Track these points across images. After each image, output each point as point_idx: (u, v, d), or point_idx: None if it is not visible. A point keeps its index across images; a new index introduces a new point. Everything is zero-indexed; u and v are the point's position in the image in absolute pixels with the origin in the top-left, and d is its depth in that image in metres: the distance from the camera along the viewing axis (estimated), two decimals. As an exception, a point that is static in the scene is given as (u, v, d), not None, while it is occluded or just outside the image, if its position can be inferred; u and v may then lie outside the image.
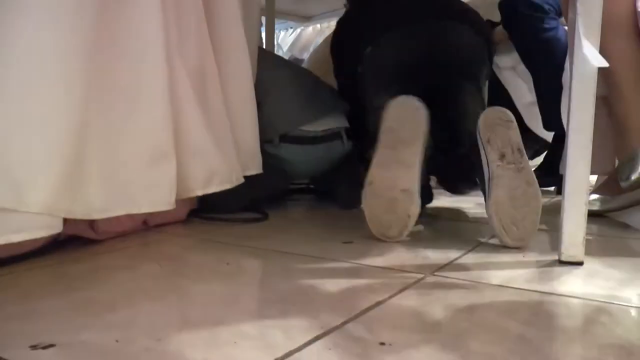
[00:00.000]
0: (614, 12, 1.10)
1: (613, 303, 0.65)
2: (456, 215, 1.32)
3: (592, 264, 0.83)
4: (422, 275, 0.75)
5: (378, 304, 0.63)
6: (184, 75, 0.94)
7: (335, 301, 0.64)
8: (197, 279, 0.73)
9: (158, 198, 0.85)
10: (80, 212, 0.74)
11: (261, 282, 0.73)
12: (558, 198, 1.38)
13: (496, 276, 0.76)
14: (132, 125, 0.83)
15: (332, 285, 0.70)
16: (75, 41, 0.73)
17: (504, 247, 0.94)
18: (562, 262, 0.84)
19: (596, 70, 0.82)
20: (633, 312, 0.62)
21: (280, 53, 3.00)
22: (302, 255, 0.86)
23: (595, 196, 1.30)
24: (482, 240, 1.00)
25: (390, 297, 0.65)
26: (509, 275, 0.76)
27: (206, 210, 1.15)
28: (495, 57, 1.93)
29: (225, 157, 1.01)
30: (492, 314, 0.60)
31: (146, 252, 0.89)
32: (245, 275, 0.76)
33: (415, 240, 0.99)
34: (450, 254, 0.89)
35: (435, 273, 0.77)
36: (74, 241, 0.90)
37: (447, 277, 0.75)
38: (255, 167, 1.12)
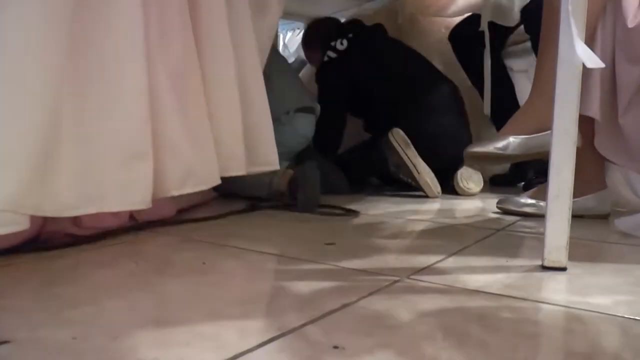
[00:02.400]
0: None
1: (587, 310, 0.63)
2: (450, 216, 1.31)
3: (575, 269, 0.82)
4: (397, 278, 0.74)
5: (343, 306, 0.62)
6: (164, 74, 0.94)
7: (301, 302, 0.63)
8: (168, 278, 0.73)
9: (133, 197, 0.84)
10: (50, 210, 0.74)
11: (231, 282, 0.72)
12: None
13: (474, 280, 0.74)
14: (107, 124, 0.83)
15: (302, 286, 0.69)
16: (47, 38, 0.73)
17: (489, 251, 0.92)
18: (545, 268, 0.82)
19: (580, 74, 0.81)
20: (605, 320, 0.60)
21: (287, 54, 3.00)
22: (280, 256, 0.86)
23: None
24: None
25: (358, 299, 0.64)
26: (487, 280, 0.75)
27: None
28: (510, 60, 1.92)
29: (203, 158, 1.01)
30: (458, 319, 0.59)
31: (127, 250, 0.89)
32: (218, 274, 0.76)
33: (401, 241, 0.98)
34: (433, 257, 0.87)
35: (412, 276, 0.75)
36: (60, 236, 0.91)
37: (422, 280, 0.74)
38: (236, 169, 1.12)
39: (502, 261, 0.87)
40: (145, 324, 0.56)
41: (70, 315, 0.58)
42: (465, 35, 1.90)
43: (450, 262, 0.85)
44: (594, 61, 0.78)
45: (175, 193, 0.98)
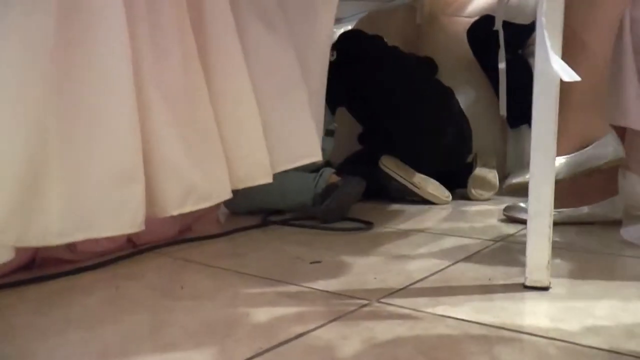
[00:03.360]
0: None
1: (550, 339, 0.61)
2: (451, 226, 1.28)
3: (559, 288, 0.79)
4: (366, 302, 0.74)
5: (298, 336, 0.62)
6: (159, 94, 0.96)
7: (258, 332, 0.64)
8: (138, 305, 0.76)
9: (123, 221, 0.87)
10: (34, 239, 0.77)
11: (198, 309, 0.73)
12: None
13: (445, 303, 0.73)
14: (94, 149, 0.85)
15: (267, 313, 0.70)
16: (29, 68, 0.76)
17: (476, 267, 0.91)
18: (526, 287, 0.80)
19: (558, 86, 0.78)
20: (565, 350, 0.58)
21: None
22: (259, 278, 0.87)
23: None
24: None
25: (316, 328, 0.65)
26: (460, 303, 0.74)
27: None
28: (533, 58, 1.86)
29: (207, 174, 1.02)
30: (408, 349, 0.59)
31: (114, 273, 0.91)
32: (191, 301, 0.77)
33: (388, 258, 0.98)
34: (416, 274, 0.87)
35: (382, 300, 0.75)
36: (54, 262, 0.95)
37: (391, 304, 0.73)
38: (261, 177, 1.12)
39: (485, 280, 0.85)
40: (89, 358, 0.58)
41: (26, 346, 0.61)
42: (482, 35, 1.85)
43: (431, 281, 0.84)
44: (570, 75, 0.75)
45: (175, 212, 1.00)
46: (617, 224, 1.23)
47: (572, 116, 1.11)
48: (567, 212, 1.25)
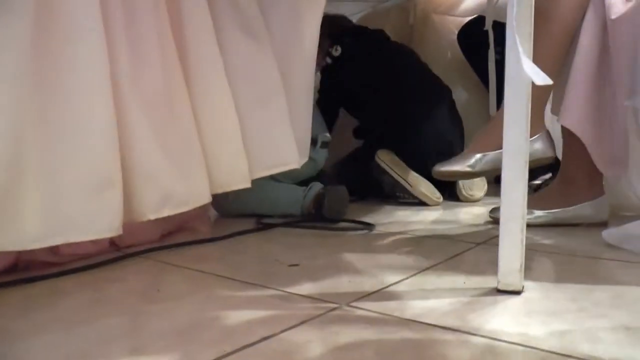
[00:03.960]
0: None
1: (511, 343, 0.62)
2: (438, 227, 1.29)
3: (532, 292, 0.79)
4: (336, 306, 0.75)
5: (262, 339, 0.63)
6: (137, 102, 0.97)
7: (224, 335, 0.65)
8: (114, 309, 0.76)
9: (100, 225, 0.88)
10: (11, 244, 0.79)
11: (170, 313, 0.74)
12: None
13: (415, 307, 0.74)
14: (72, 155, 0.86)
15: (235, 316, 0.71)
16: (7, 68, 0.77)
17: (454, 270, 0.91)
18: (499, 291, 0.80)
19: (530, 90, 0.78)
20: (524, 354, 0.59)
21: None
22: (235, 281, 0.88)
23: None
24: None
25: (282, 331, 0.65)
26: (430, 307, 0.74)
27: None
28: None
29: (187, 180, 1.04)
30: (370, 353, 0.59)
31: (97, 277, 0.92)
32: (165, 303, 0.78)
33: (368, 259, 0.98)
34: (391, 277, 0.87)
35: (352, 303, 0.76)
36: (37, 265, 0.96)
37: (360, 308, 0.74)
38: (239, 182, 1.13)
39: (460, 282, 0.85)
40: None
41: (3, 350, 0.62)
42: (473, 35, 1.85)
43: (406, 284, 0.85)
44: (541, 78, 0.75)
45: (152, 217, 1.02)
46: (603, 225, 1.23)
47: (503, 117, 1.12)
48: (554, 213, 1.25)
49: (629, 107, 1.05)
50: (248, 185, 1.19)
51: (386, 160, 1.61)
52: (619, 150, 1.12)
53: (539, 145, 1.12)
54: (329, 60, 1.77)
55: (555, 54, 1.11)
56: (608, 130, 1.12)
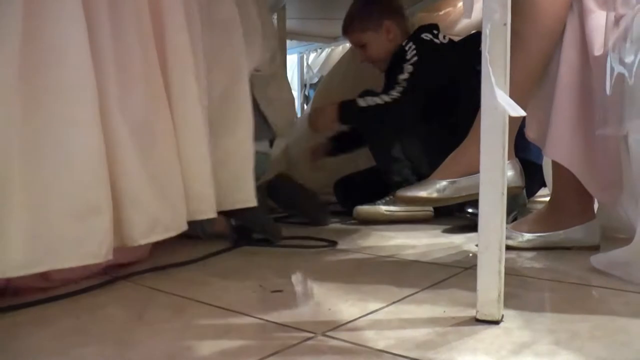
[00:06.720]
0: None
1: (479, 378, 0.61)
2: (428, 249, 1.29)
3: (510, 322, 0.79)
4: (311, 335, 0.75)
5: (231, 373, 0.64)
6: (125, 126, 0.98)
7: (195, 368, 0.66)
8: (92, 338, 0.77)
9: (86, 251, 0.89)
10: (-4, 271, 0.80)
11: (147, 342, 0.74)
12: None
13: (390, 337, 0.74)
14: (60, 180, 0.87)
15: (209, 346, 0.72)
16: None
17: (436, 298, 0.91)
18: (478, 320, 0.80)
19: (506, 123, 0.78)
20: (489, 391, 0.59)
21: (310, 74, 3.04)
22: (216, 308, 0.88)
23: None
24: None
25: (252, 363, 0.66)
26: (405, 337, 0.74)
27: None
28: None
29: (171, 206, 1.05)
30: (335, 389, 0.60)
31: (79, 304, 0.92)
32: (141, 332, 0.79)
33: (351, 286, 0.98)
34: (372, 305, 0.87)
35: (328, 332, 0.76)
36: (28, 290, 0.97)
37: (335, 338, 0.74)
38: (205, 212, 1.15)
39: (440, 311, 0.85)
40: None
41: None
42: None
43: (385, 312, 0.85)
44: (514, 110, 0.76)
45: (143, 242, 1.03)
46: (594, 249, 1.22)
47: (470, 145, 1.12)
48: (544, 236, 1.24)
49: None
50: (214, 215, 1.18)
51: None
52: (613, 174, 1.11)
53: (509, 174, 1.12)
54: (435, 40, 1.71)
55: (529, 79, 1.11)
56: (600, 157, 1.11)
